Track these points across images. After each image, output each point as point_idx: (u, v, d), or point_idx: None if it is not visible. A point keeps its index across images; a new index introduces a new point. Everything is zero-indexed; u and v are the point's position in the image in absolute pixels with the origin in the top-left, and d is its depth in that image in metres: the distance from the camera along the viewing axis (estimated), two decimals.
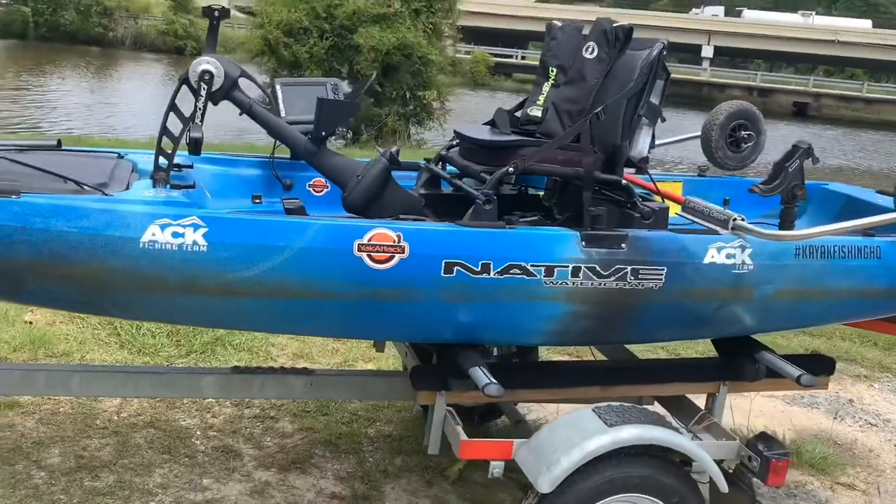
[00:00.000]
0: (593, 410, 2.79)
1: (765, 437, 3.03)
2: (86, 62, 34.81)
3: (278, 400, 4.11)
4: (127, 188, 2.75)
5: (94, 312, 3.72)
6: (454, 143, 3.43)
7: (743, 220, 2.91)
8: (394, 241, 2.61)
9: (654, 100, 3.21)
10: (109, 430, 3.78)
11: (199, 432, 3.86)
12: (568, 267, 2.73)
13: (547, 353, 4.72)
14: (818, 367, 3.41)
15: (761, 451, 2.96)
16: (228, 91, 2.95)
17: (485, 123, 3.42)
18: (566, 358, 4.81)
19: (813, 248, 2.98)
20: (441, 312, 2.74)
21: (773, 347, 5.90)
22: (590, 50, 3.31)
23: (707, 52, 58.85)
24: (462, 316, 2.77)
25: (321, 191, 3.49)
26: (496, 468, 2.82)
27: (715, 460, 3.07)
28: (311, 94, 3.28)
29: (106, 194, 2.60)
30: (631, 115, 3.09)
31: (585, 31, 3.38)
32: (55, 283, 2.50)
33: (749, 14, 61.32)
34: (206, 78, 2.85)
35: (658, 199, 3.44)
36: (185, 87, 2.90)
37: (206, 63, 2.88)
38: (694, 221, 3.11)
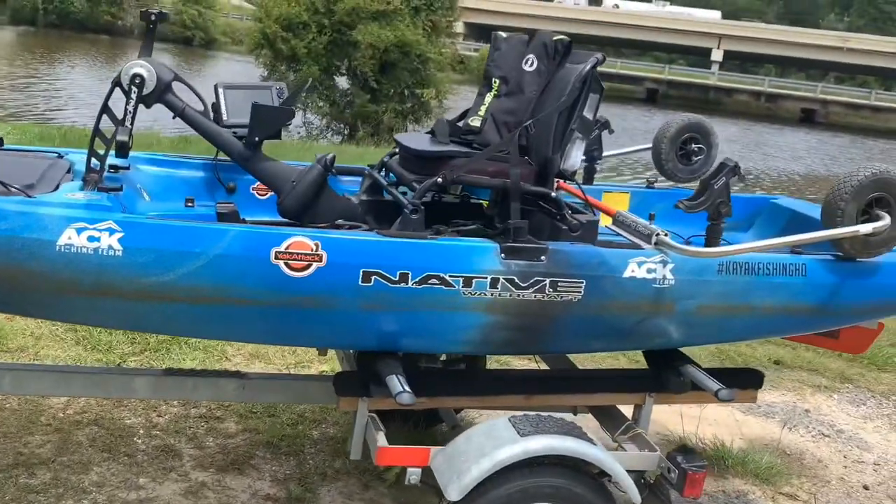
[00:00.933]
0: (509, 419, 2.83)
1: (684, 450, 3.06)
2: (95, 51, 34.94)
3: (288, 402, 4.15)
4: (55, 190, 2.79)
5: (17, 313, 3.77)
6: (396, 150, 3.47)
7: (666, 235, 2.94)
8: (311, 250, 2.65)
9: (588, 114, 3.24)
10: (53, 427, 3.83)
11: (142, 431, 3.91)
12: (486, 278, 2.77)
13: (503, 361, 4.76)
14: (746, 380, 3.44)
15: (679, 464, 2.99)
16: (161, 94, 2.98)
17: (427, 132, 3.46)
18: (521, 365, 4.85)
19: (737, 264, 3.00)
20: (360, 321, 2.78)
21: (739, 355, 6.04)
22: (529, 62, 3.34)
23: (716, 55, 58.75)
24: (381, 324, 2.81)
25: (265, 194, 3.52)
26: (413, 475, 2.86)
27: (636, 471, 3.13)
28: (255, 98, 3.31)
29: (30, 196, 2.64)
30: (563, 128, 3.12)
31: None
32: None
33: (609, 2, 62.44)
34: (137, 81, 2.89)
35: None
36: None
37: (138, 67, 2.92)
38: (621, 235, 3.14)
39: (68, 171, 3.07)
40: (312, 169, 3.10)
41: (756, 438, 4.90)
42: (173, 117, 3.05)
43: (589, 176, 4.11)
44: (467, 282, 2.75)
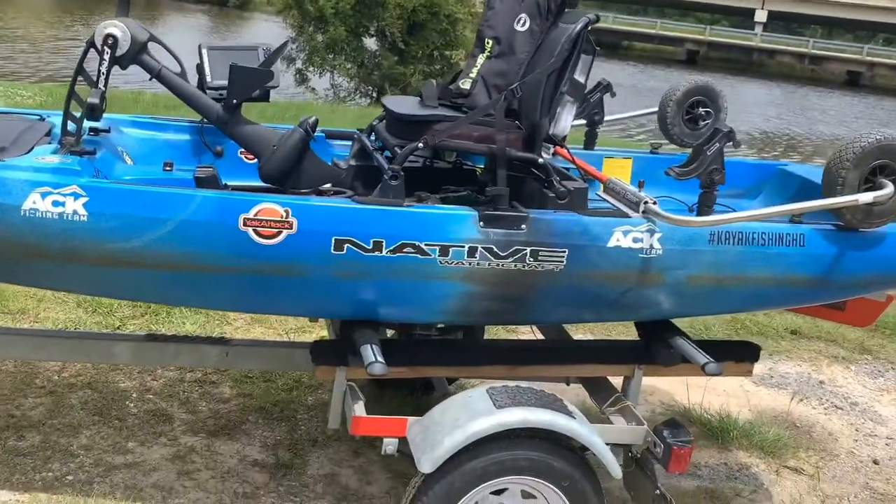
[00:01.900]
0: (487, 391, 2.76)
1: (671, 424, 2.97)
2: (131, 12, 34.91)
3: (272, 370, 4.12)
4: (27, 153, 2.75)
5: None
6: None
7: (654, 203, 2.83)
8: (281, 217, 2.58)
9: (580, 77, 3.12)
10: (46, 389, 3.85)
11: (135, 395, 3.91)
12: (464, 247, 2.69)
13: (497, 332, 4.68)
14: (741, 353, 3.34)
15: (665, 438, 2.90)
16: (136, 55, 2.92)
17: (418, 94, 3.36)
18: (518, 337, 4.77)
19: (729, 233, 2.89)
20: (333, 290, 2.72)
21: (755, 325, 5.89)
22: (521, 22, 3.23)
23: (760, 16, 57.31)
24: (356, 294, 2.74)
25: (254, 158, 3.46)
26: (389, 445, 2.81)
27: (623, 445, 3.05)
28: (240, 60, 3.23)
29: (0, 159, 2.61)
30: (551, 91, 3.01)
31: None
32: None
33: None
34: (110, 42, 2.83)
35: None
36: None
37: (111, 27, 2.85)
38: (611, 203, 3.04)
39: (47, 134, 3.03)
40: (294, 133, 3.02)
41: (765, 410, 4.78)
42: (150, 79, 2.99)
43: (590, 141, 3.98)
44: (444, 251, 2.67)
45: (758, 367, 5.31)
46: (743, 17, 59.57)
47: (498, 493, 2.79)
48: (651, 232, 2.81)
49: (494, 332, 4.64)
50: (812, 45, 53.25)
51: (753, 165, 4.07)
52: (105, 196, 2.51)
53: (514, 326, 4.45)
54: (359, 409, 2.89)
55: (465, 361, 3.09)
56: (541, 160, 2.99)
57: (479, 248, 2.69)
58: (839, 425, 4.72)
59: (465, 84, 3.33)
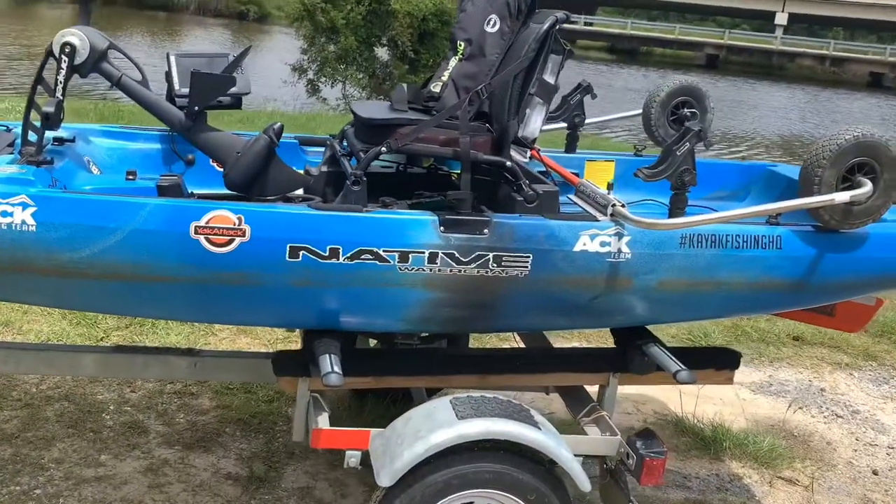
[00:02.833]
0: (450, 401, 2.69)
1: (645, 434, 2.88)
2: (153, 27, 35.36)
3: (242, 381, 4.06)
4: None
5: None
6: None
7: (623, 206, 2.75)
8: (233, 224, 2.53)
9: (550, 78, 3.04)
10: (23, 402, 3.82)
11: (112, 407, 3.87)
12: (424, 253, 2.62)
13: (489, 340, 4.60)
14: (721, 361, 3.24)
15: (637, 449, 2.81)
16: (96, 63, 2.89)
17: (388, 98, 3.31)
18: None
19: (701, 236, 2.80)
20: (292, 298, 2.65)
21: (756, 330, 5.77)
22: (491, 23, 3.17)
23: (780, 19, 56.88)
24: (315, 302, 2.68)
25: None
26: (352, 458, 2.74)
27: (596, 456, 2.97)
28: (209, 67, 3.20)
29: None
30: (519, 92, 2.94)
31: None
32: None
33: None
34: (67, 51, 2.79)
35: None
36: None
37: (69, 35, 2.82)
38: (580, 206, 2.96)
39: (10, 145, 3.00)
40: (259, 139, 2.97)
41: (762, 419, 4.67)
42: (110, 87, 2.96)
43: (572, 144, 3.90)
44: (403, 257, 2.60)
45: (757, 375, 5.26)
46: (763, 21, 59.20)
47: None
48: (619, 235, 2.73)
49: (486, 341, 4.57)
50: (833, 46, 52.72)
51: (740, 167, 3.97)
52: (53, 205, 2.46)
53: (505, 334, 4.38)
54: (322, 421, 2.82)
55: (433, 371, 3.01)
56: (509, 163, 2.92)
57: (440, 254, 2.62)
58: (839, 434, 4.60)
59: (436, 87, 3.27)
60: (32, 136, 2.83)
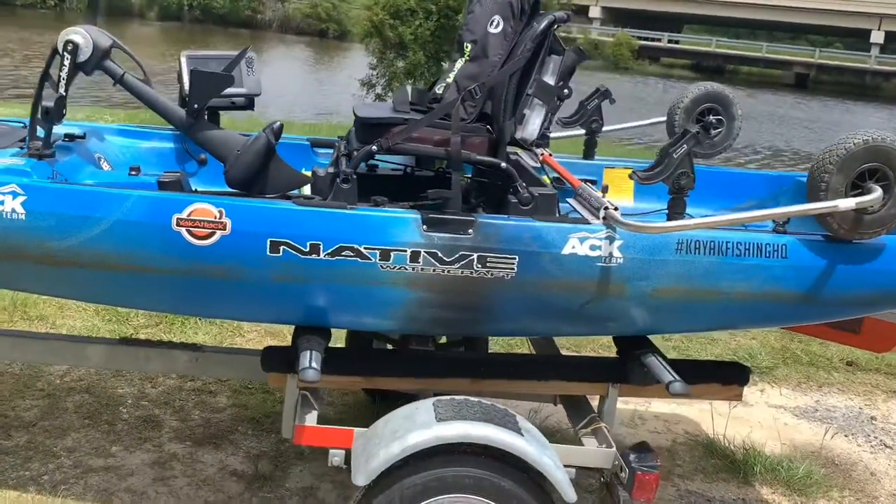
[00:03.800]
0: (433, 402, 2.64)
1: (640, 448, 2.77)
2: (237, 44, 36.36)
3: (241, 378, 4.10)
4: None
5: None
6: None
7: (616, 209, 2.67)
8: (214, 217, 2.55)
9: (550, 79, 2.99)
10: (45, 392, 3.92)
11: (130, 401, 3.94)
12: (406, 251, 2.59)
13: (512, 344, 4.53)
14: (727, 376, 3.10)
15: (630, 463, 2.71)
16: (100, 61, 2.96)
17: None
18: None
19: (700, 242, 2.69)
20: (274, 293, 2.66)
21: (807, 354, 5.53)
22: (495, 24, 3.13)
23: (876, 37, 54.96)
24: (298, 298, 2.67)
25: None
26: (335, 456, 2.73)
27: (590, 468, 2.88)
28: (218, 68, 3.25)
29: None
30: (515, 93, 2.90)
31: None
32: None
33: None
34: (69, 48, 2.87)
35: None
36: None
37: (73, 33, 2.90)
38: (577, 210, 2.89)
39: (21, 140, 3.10)
40: (258, 138, 3.00)
41: (802, 445, 4.45)
42: (113, 84, 3.03)
43: (589, 149, 3.82)
44: (385, 255, 2.58)
45: (803, 400, 5.04)
46: (857, 39, 57.32)
47: None
48: (610, 239, 2.65)
49: (505, 345, 4.50)
50: None
51: (768, 177, 3.83)
52: (42, 195, 2.53)
53: (519, 341, 4.31)
54: (310, 418, 2.82)
55: (423, 373, 2.97)
56: (503, 164, 2.87)
57: (423, 253, 2.59)
58: (885, 465, 4.35)
59: (440, 89, 3.25)
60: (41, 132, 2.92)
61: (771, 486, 3.99)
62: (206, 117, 3.05)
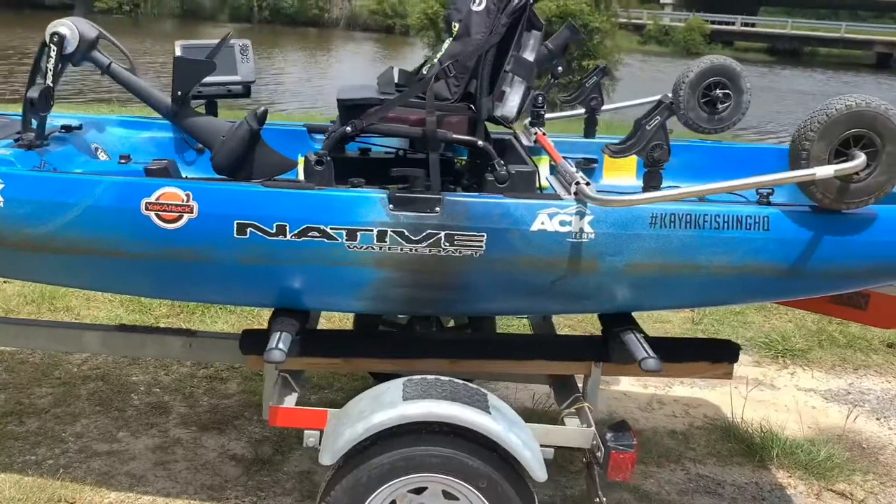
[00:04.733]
0: (403, 382, 2.63)
1: (617, 427, 2.70)
2: (305, 43, 36.91)
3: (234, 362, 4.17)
4: None
5: None
6: None
7: (587, 184, 2.60)
8: (182, 201, 2.58)
9: (529, 55, 2.94)
10: (62, 380, 4.04)
11: (143, 388, 4.03)
12: (373, 231, 2.58)
13: (516, 325, 4.48)
14: (715, 353, 3.00)
15: (606, 442, 2.65)
16: (86, 52, 3.03)
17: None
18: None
19: (675, 216, 2.61)
20: (242, 276, 2.67)
21: (844, 335, 5.32)
22: (477, 1, 3.08)
23: None
24: (266, 280, 2.69)
25: None
26: (310, 437, 2.74)
27: (570, 448, 2.83)
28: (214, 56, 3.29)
29: None
30: (490, 70, 2.86)
31: None
32: None
33: None
34: (55, 40, 2.94)
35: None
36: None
37: (59, 25, 2.97)
38: (553, 187, 2.84)
39: (18, 132, 3.19)
40: (242, 124, 3.03)
41: (827, 428, 4.29)
42: (101, 74, 3.09)
43: (590, 128, 3.74)
44: (351, 234, 2.57)
45: (835, 383, 4.85)
46: None
47: (418, 491, 2.64)
48: (581, 214, 2.59)
49: (509, 324, 4.45)
50: None
51: (779, 151, 3.67)
52: (19, 182, 2.60)
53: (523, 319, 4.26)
54: (288, 400, 2.83)
55: (402, 354, 2.95)
56: (480, 143, 2.83)
57: (389, 232, 2.57)
58: None
59: (427, 70, 3.23)
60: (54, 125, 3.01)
61: (788, 470, 3.85)
62: (191, 104, 3.09)
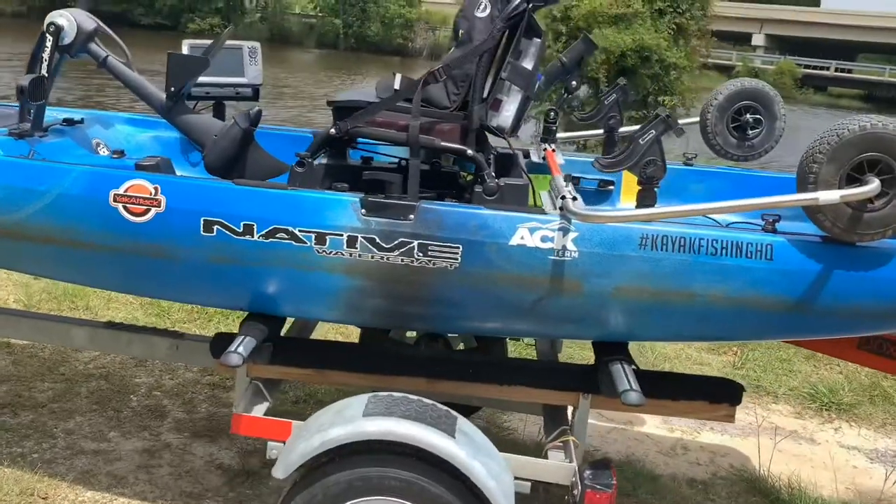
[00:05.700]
0: (369, 397, 2.48)
1: (598, 465, 2.50)
2: (388, 70, 37.37)
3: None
4: None
5: None
6: None
7: (575, 199, 2.43)
8: (150, 194, 2.51)
9: (528, 63, 2.79)
10: (66, 376, 4.02)
11: (143, 391, 3.98)
12: (342, 236, 2.46)
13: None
14: (714, 393, 2.76)
15: (583, 479, 2.45)
16: (83, 44, 3.01)
17: None
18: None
19: (667, 238, 2.41)
20: (210, 275, 2.58)
21: (869, 376, 4.92)
22: (481, 7, 2.97)
23: None
24: (233, 281, 2.59)
25: None
26: (273, 449, 2.61)
27: (550, 483, 2.63)
28: (222, 57, 3.25)
29: None
30: (483, 77, 2.73)
31: None
32: None
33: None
34: (52, 30, 2.93)
35: None
36: None
37: (57, 16, 2.96)
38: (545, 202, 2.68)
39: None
40: (234, 125, 2.97)
41: (868, 491, 3.94)
42: (97, 67, 3.07)
43: (609, 148, 3.55)
44: (320, 238, 2.46)
45: (883, 442, 4.51)
46: None
47: None
48: (564, 231, 2.41)
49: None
50: None
51: None
52: None
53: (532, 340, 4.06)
54: (257, 409, 2.73)
55: (376, 370, 2.80)
56: (469, 152, 2.69)
57: (360, 238, 2.45)
58: None
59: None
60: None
61: None
62: (185, 102, 3.04)
